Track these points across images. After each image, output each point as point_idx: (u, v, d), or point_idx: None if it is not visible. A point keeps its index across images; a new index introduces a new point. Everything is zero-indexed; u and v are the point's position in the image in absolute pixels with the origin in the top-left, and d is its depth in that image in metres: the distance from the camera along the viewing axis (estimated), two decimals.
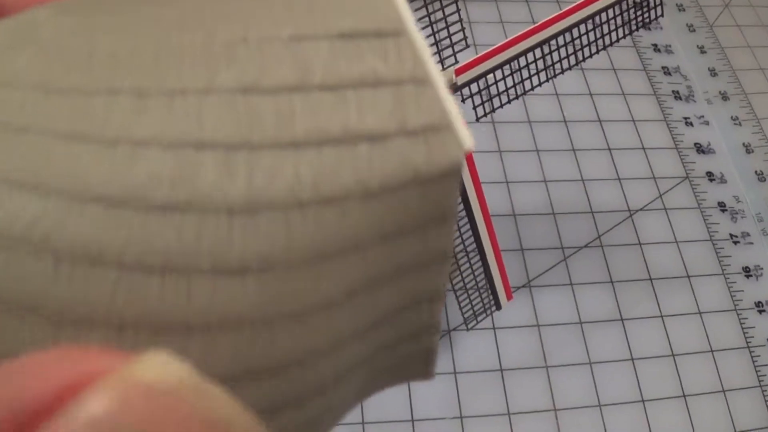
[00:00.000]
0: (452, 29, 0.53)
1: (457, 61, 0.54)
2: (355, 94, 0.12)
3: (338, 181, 0.12)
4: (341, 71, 0.13)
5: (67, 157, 0.11)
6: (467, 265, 0.61)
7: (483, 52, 0.56)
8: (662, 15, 0.63)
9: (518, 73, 0.59)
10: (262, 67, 0.12)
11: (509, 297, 0.65)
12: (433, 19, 0.51)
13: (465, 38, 0.53)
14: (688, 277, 0.81)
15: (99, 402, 0.09)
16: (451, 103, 0.13)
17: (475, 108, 0.57)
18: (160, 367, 0.10)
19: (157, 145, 0.11)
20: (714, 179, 0.88)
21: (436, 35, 0.52)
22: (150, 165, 0.11)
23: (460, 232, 0.59)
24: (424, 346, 0.15)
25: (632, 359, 0.74)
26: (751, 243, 0.84)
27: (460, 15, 0.52)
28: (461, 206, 0.58)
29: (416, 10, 0.50)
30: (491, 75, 0.57)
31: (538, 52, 0.59)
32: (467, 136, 0.13)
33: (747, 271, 0.82)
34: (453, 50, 0.53)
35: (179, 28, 0.13)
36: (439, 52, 0.53)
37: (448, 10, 0.52)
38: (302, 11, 0.13)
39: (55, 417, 0.09)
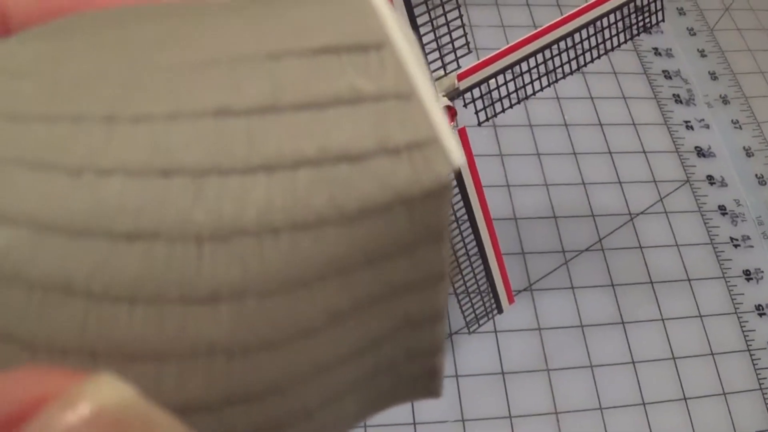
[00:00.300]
0: (455, 34, 0.53)
1: (459, 66, 0.54)
2: (332, 113, 0.12)
3: (312, 205, 0.11)
4: (318, 89, 0.12)
5: (33, 185, 0.11)
6: (469, 268, 0.61)
7: (485, 58, 0.56)
8: (663, 20, 0.63)
9: (520, 78, 0.59)
10: (234, 88, 0.12)
11: (511, 300, 0.65)
12: (435, 24, 0.51)
13: (468, 43, 0.53)
14: (689, 280, 0.81)
15: (49, 421, 0.10)
16: (439, 116, 0.12)
17: (477, 113, 0.57)
18: (107, 389, 0.10)
19: (122, 172, 0.11)
20: (714, 183, 0.89)
21: (439, 40, 0.52)
22: (114, 194, 0.11)
23: (462, 235, 0.60)
24: (427, 366, 0.14)
25: (633, 362, 0.75)
26: (752, 246, 0.84)
27: (462, 20, 0.53)
28: (463, 209, 0.58)
29: (419, 15, 0.50)
30: (493, 80, 0.57)
31: (539, 57, 0.59)
32: (456, 152, 0.12)
33: (747, 275, 0.82)
34: (455, 55, 0.54)
35: (153, 49, 0.12)
36: (441, 57, 0.53)
37: (450, 15, 0.52)
38: (282, 27, 0.13)
39: None
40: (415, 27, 0.50)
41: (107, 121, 0.11)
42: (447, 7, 0.51)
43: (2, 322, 0.11)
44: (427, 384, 0.15)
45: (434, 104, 0.12)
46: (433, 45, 0.52)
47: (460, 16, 0.52)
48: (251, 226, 0.11)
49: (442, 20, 0.52)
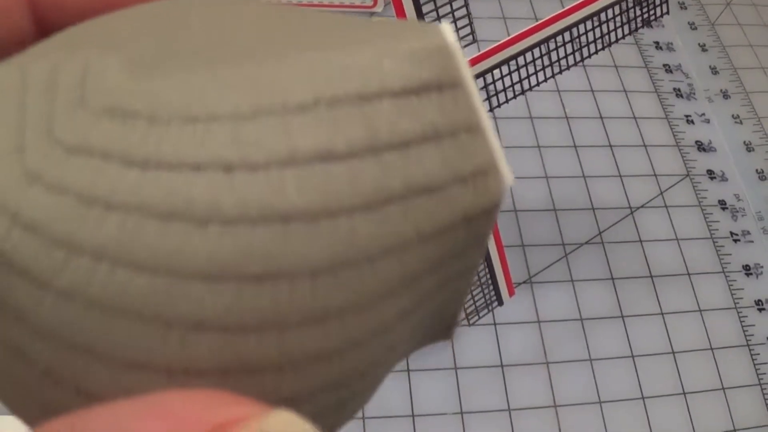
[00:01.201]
0: (459, 23, 0.53)
1: None
2: (416, 150, 0.13)
3: (401, 233, 0.13)
4: (404, 129, 0.13)
5: (164, 236, 0.12)
6: None
7: (486, 49, 0.56)
8: (668, 12, 0.63)
9: (521, 70, 0.58)
10: (334, 130, 0.13)
11: (511, 293, 0.65)
12: (440, 14, 0.51)
13: (473, 33, 0.53)
14: (689, 274, 0.81)
15: None
16: (497, 144, 0.14)
17: None
18: (289, 423, 0.12)
19: (246, 221, 0.12)
20: (715, 177, 0.88)
21: None
22: (241, 241, 0.12)
23: None
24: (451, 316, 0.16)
25: (632, 356, 0.74)
26: (752, 241, 0.84)
27: (468, 9, 0.52)
28: None
29: (424, 3, 0.50)
30: (494, 71, 0.57)
31: (540, 49, 0.58)
32: (509, 173, 0.14)
33: (747, 270, 0.82)
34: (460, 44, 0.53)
35: (255, 74, 0.13)
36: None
37: (455, 5, 0.52)
38: (368, 64, 0.13)
39: None
40: (420, 16, 0.50)
41: (226, 169, 0.12)
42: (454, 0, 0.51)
43: (141, 354, 0.12)
44: (445, 330, 0.17)
45: (494, 135, 0.14)
46: None
47: (466, 5, 0.52)
48: (354, 259, 0.13)
49: (446, 9, 0.51)
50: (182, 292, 0.12)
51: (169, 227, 0.12)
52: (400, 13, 0.48)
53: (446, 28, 0.14)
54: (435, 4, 0.50)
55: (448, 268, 0.15)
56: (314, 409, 0.14)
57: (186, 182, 0.12)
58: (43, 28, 0.16)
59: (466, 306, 0.63)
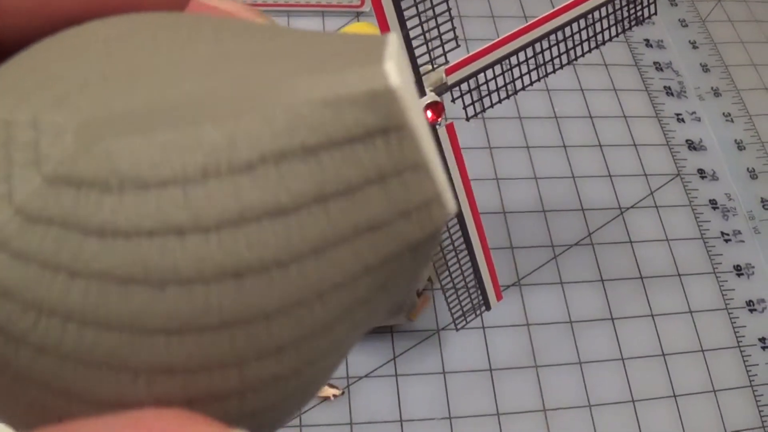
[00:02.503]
0: (443, 28, 0.52)
1: (447, 61, 0.53)
2: (362, 194, 0.13)
3: (348, 271, 0.14)
4: (350, 175, 0.13)
5: (126, 299, 0.13)
6: (456, 264, 0.60)
7: (474, 51, 0.55)
8: (655, 13, 0.62)
9: (510, 72, 0.58)
10: (282, 186, 0.13)
11: (499, 297, 0.64)
12: (423, 18, 0.50)
13: (456, 38, 0.52)
14: (679, 275, 0.80)
15: None
16: (441, 176, 0.14)
17: (465, 108, 0.56)
18: None
19: (201, 281, 0.13)
20: (705, 176, 0.88)
21: (427, 34, 0.51)
22: (198, 299, 0.13)
23: (449, 231, 0.59)
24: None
25: (622, 359, 0.74)
26: (743, 241, 0.84)
27: (450, 14, 0.52)
28: None
29: (406, 9, 0.49)
30: (482, 74, 0.56)
31: (530, 50, 0.58)
32: (452, 203, 0.14)
33: (738, 270, 0.82)
34: (443, 49, 0.52)
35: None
36: (429, 51, 0.52)
37: (438, 9, 0.51)
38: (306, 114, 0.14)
39: None
40: (402, 21, 0.49)
41: (179, 233, 0.13)
42: (435, 0, 0.50)
43: (113, 395, 0.13)
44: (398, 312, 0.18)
45: (438, 166, 0.14)
46: (421, 39, 0.51)
47: (449, 10, 0.51)
48: (305, 298, 0.13)
49: (430, 13, 0.51)
50: (146, 345, 0.13)
51: (130, 290, 0.13)
52: (381, 18, 0.48)
53: (392, 64, 0.13)
54: (417, 9, 0.49)
55: (396, 282, 0.15)
56: (272, 415, 0.15)
57: (141, 249, 0.13)
58: None
59: (453, 312, 0.63)
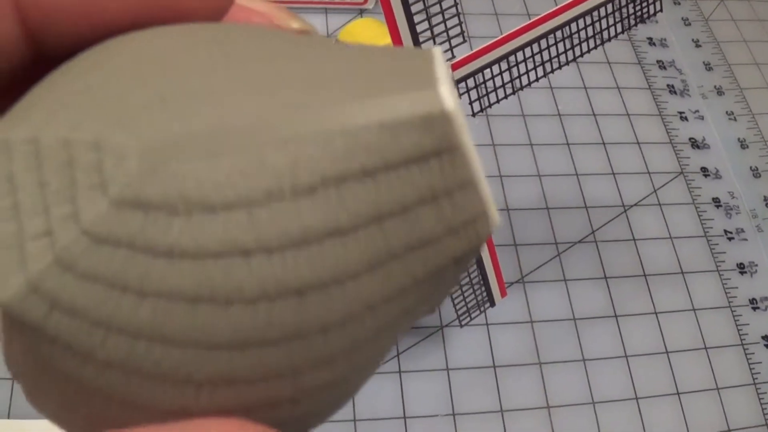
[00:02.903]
0: (450, 23, 0.52)
1: (453, 56, 0.53)
2: (415, 213, 0.14)
3: (398, 284, 0.15)
4: (406, 196, 0.14)
5: (192, 316, 0.13)
6: None
7: (479, 47, 0.55)
8: (661, 10, 0.62)
9: (515, 68, 0.58)
10: (342, 208, 0.14)
11: (503, 294, 0.64)
12: (430, 12, 0.50)
13: (463, 32, 0.52)
14: (682, 273, 0.80)
15: None
16: (487, 192, 0.15)
17: (471, 103, 0.56)
18: None
19: (265, 299, 0.13)
20: (708, 175, 0.88)
21: (433, 29, 0.51)
22: (261, 316, 0.13)
23: None
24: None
25: (626, 356, 0.74)
26: (746, 239, 0.84)
27: (458, 9, 0.52)
28: None
29: (413, 3, 0.49)
30: (487, 70, 0.56)
31: (534, 47, 0.58)
32: (496, 216, 0.15)
33: (741, 268, 0.82)
34: (450, 44, 0.53)
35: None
36: (435, 46, 0.52)
37: (445, 4, 0.51)
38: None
39: None
40: (409, 15, 0.49)
41: (244, 255, 0.13)
42: None
43: (176, 406, 0.14)
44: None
45: (485, 182, 0.15)
46: (428, 34, 0.51)
47: (456, 5, 0.51)
48: (359, 312, 0.14)
49: (436, 9, 0.51)
50: (210, 360, 0.13)
51: (197, 309, 0.13)
52: (389, 13, 0.48)
53: (445, 88, 0.14)
54: (424, 3, 0.49)
55: (438, 291, 0.16)
56: (318, 418, 0.16)
57: (208, 270, 0.13)
58: (35, 42, 0.16)
59: (457, 308, 0.63)
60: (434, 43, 0.51)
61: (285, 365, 0.14)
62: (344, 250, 0.14)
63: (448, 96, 0.14)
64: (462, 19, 0.52)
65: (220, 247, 0.13)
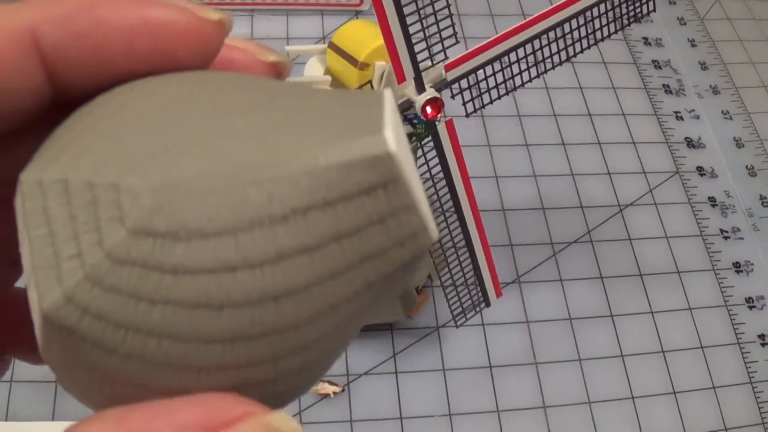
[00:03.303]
0: (442, 24, 0.52)
1: (446, 57, 0.53)
2: (367, 232, 0.17)
3: (355, 288, 0.18)
4: (359, 220, 0.17)
5: (193, 319, 0.17)
6: (456, 261, 0.60)
7: (473, 48, 0.55)
8: (654, 10, 0.62)
9: (509, 68, 0.58)
10: (308, 232, 0.17)
11: (499, 294, 0.64)
12: (423, 14, 0.50)
13: (455, 33, 0.52)
14: (678, 272, 0.80)
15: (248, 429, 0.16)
16: (427, 211, 0.18)
17: (465, 104, 0.56)
18: (284, 420, 0.17)
19: (249, 304, 0.17)
20: (704, 174, 0.88)
21: (426, 30, 0.51)
22: (247, 317, 0.17)
23: (449, 227, 0.59)
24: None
25: (622, 356, 0.74)
26: (742, 238, 0.84)
27: (450, 10, 0.52)
28: (450, 202, 0.58)
29: (406, 4, 0.49)
30: (481, 71, 0.56)
31: (528, 47, 0.58)
32: (435, 232, 0.18)
33: (737, 267, 0.82)
34: (443, 45, 0.53)
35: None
36: (428, 47, 0.52)
37: (438, 5, 0.51)
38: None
39: None
40: (401, 17, 0.49)
41: (231, 270, 0.17)
42: None
43: (180, 386, 0.17)
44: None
45: (424, 204, 0.18)
46: (420, 35, 0.51)
47: (448, 6, 0.51)
48: (324, 309, 0.18)
49: (429, 10, 0.51)
50: (207, 352, 0.17)
51: (196, 313, 0.17)
52: (381, 14, 0.48)
53: (390, 132, 0.17)
54: (417, 5, 0.49)
55: (391, 290, 0.19)
56: (294, 393, 0.19)
57: (204, 282, 0.17)
58: (59, 88, 0.20)
59: (453, 309, 0.63)
60: (427, 44, 0.51)
61: (266, 354, 0.17)
62: (311, 264, 0.17)
63: (391, 139, 0.17)
64: (454, 21, 0.52)
65: (213, 265, 0.17)
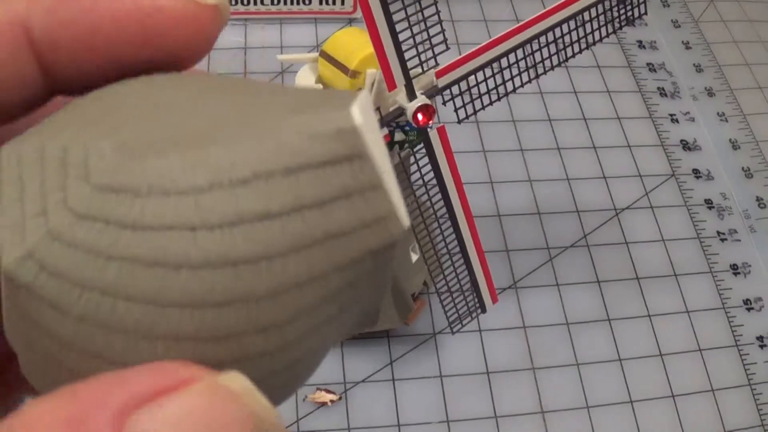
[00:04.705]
0: (432, 31, 0.52)
1: (437, 63, 0.53)
2: (332, 207, 0.17)
3: (321, 268, 0.17)
4: (323, 191, 0.17)
5: (150, 278, 0.17)
6: (450, 267, 0.60)
7: (465, 54, 0.55)
8: (645, 13, 0.62)
9: (500, 74, 0.58)
10: (267, 197, 0.17)
11: (494, 300, 0.64)
12: (412, 21, 0.50)
13: (446, 40, 0.52)
14: (676, 275, 0.80)
15: (195, 393, 0.15)
16: (396, 196, 0.18)
17: (456, 110, 0.56)
18: (236, 378, 0.16)
19: (207, 266, 0.17)
20: (700, 176, 0.88)
21: (416, 37, 0.51)
22: (205, 280, 0.17)
23: (443, 233, 0.59)
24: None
25: (620, 360, 0.74)
26: (739, 240, 0.84)
27: (440, 16, 0.52)
28: (444, 208, 0.57)
29: (395, 12, 0.49)
30: (473, 76, 0.56)
31: (521, 52, 0.58)
32: (405, 218, 0.18)
33: (735, 269, 0.82)
34: (433, 52, 0.52)
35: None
36: (418, 54, 0.52)
37: (427, 12, 0.51)
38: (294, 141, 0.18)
39: (161, 400, 0.15)
40: (391, 25, 0.49)
41: (191, 229, 0.17)
42: (423, 3, 0.50)
43: (137, 358, 0.17)
44: (371, 319, 0.21)
45: (394, 188, 0.18)
46: (410, 42, 0.51)
47: (437, 13, 0.51)
48: (287, 286, 0.17)
49: (419, 16, 0.51)
50: (164, 317, 0.16)
51: (153, 272, 0.16)
52: (370, 21, 0.48)
53: (356, 109, 0.18)
54: (406, 12, 0.49)
55: (362, 282, 0.19)
56: (265, 390, 0.18)
57: (163, 240, 0.16)
58: (52, 78, 0.20)
59: (449, 315, 0.63)
60: (417, 51, 0.51)
61: (224, 328, 0.17)
62: (271, 231, 0.17)
63: (357, 114, 0.18)
64: (445, 27, 0.52)
65: (172, 222, 0.16)
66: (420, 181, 0.56)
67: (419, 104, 0.52)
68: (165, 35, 0.20)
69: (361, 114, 0.18)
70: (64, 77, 0.20)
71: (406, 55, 0.51)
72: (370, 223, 0.18)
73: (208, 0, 0.20)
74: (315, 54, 0.61)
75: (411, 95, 0.52)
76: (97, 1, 0.19)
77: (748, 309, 0.79)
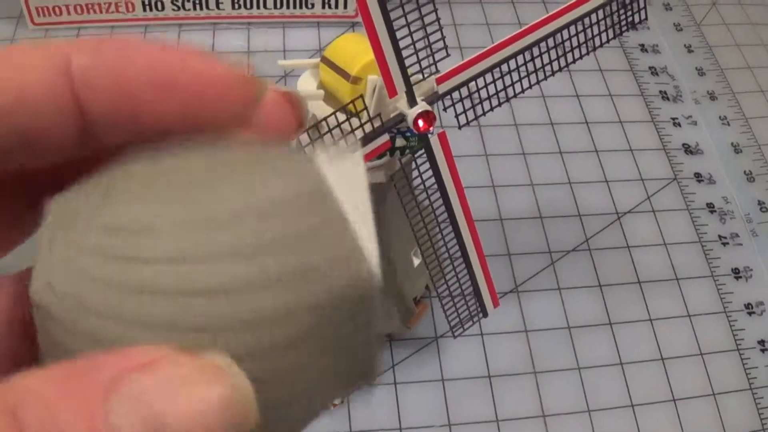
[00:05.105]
0: (432, 37, 0.52)
1: (437, 70, 0.53)
2: (301, 243, 0.18)
3: (291, 301, 0.18)
4: (292, 229, 0.18)
5: (146, 305, 0.18)
6: (452, 272, 0.60)
7: (467, 59, 0.55)
8: (646, 18, 0.63)
9: (502, 79, 0.58)
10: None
11: (496, 304, 0.64)
12: (412, 28, 0.50)
13: (446, 47, 0.53)
14: (677, 279, 0.80)
15: (175, 364, 0.16)
16: (367, 233, 0.19)
17: (457, 116, 0.56)
18: (210, 357, 0.17)
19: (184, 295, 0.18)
20: (702, 180, 0.88)
21: (416, 44, 0.51)
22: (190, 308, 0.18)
23: (444, 238, 0.59)
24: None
25: (621, 363, 0.74)
26: (740, 244, 0.84)
27: (440, 23, 0.52)
28: (445, 212, 0.58)
29: (395, 19, 0.49)
30: (474, 82, 0.56)
31: (522, 57, 0.58)
32: (373, 258, 0.19)
33: (736, 273, 0.82)
34: (434, 59, 0.53)
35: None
36: (419, 61, 0.52)
37: (427, 19, 0.51)
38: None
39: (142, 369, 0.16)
40: (391, 31, 0.49)
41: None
42: (424, 10, 0.50)
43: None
44: (367, 374, 0.21)
45: (366, 227, 0.19)
46: (411, 49, 0.51)
47: (437, 19, 0.51)
48: (262, 324, 0.18)
49: (419, 24, 0.51)
50: (148, 335, 0.18)
51: (138, 298, 0.18)
52: (370, 28, 0.48)
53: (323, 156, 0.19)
54: (406, 19, 0.49)
55: (344, 327, 0.19)
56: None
57: (148, 271, 0.18)
58: (86, 122, 0.20)
59: (450, 320, 0.63)
60: (417, 58, 0.51)
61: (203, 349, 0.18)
62: (243, 267, 0.18)
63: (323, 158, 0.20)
64: (445, 33, 0.52)
65: (156, 257, 0.18)
66: (421, 186, 0.56)
67: (420, 111, 0.52)
68: (204, 98, 0.20)
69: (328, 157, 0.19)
70: (98, 125, 0.20)
71: (407, 62, 0.51)
72: (337, 260, 0.19)
73: (254, 78, 0.21)
74: (316, 60, 0.61)
75: (412, 102, 0.52)
76: (136, 52, 0.19)
77: (750, 313, 0.79)
